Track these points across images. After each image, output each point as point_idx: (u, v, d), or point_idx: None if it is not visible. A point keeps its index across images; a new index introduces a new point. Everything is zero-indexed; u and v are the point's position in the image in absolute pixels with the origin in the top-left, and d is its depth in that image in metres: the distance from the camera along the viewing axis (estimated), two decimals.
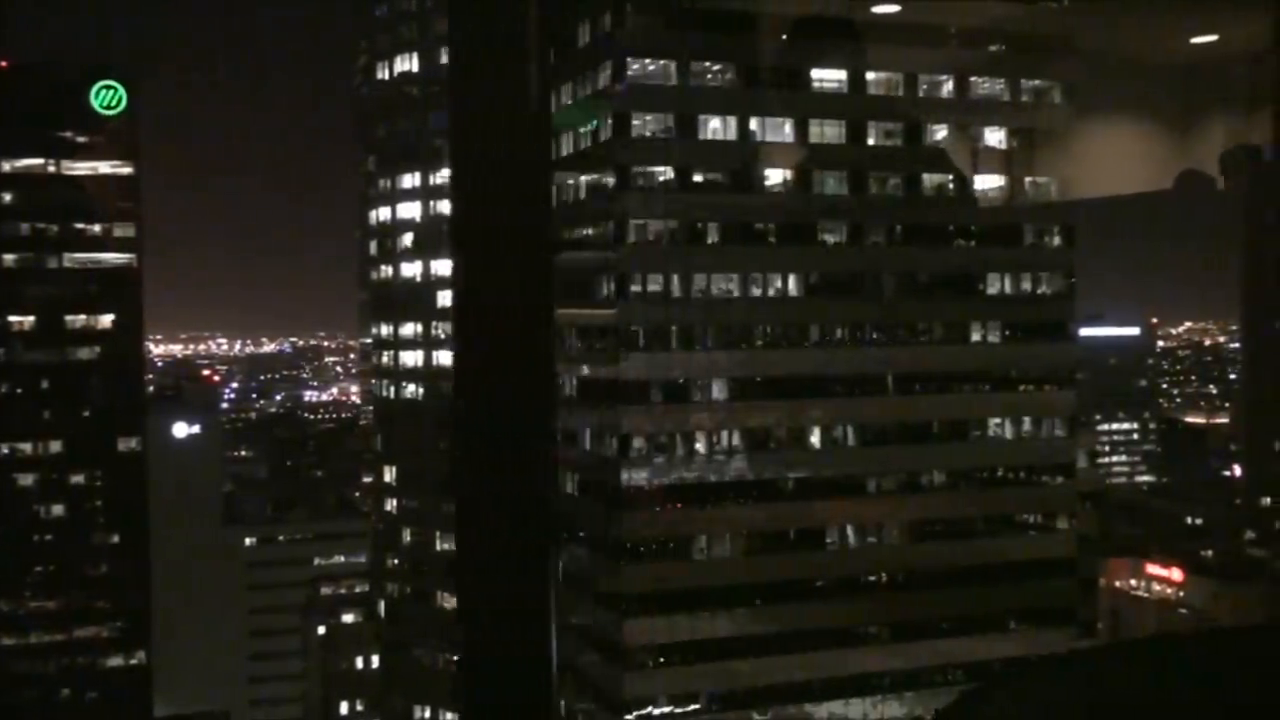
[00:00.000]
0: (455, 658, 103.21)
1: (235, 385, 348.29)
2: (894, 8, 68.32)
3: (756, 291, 67.54)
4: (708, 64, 67.14)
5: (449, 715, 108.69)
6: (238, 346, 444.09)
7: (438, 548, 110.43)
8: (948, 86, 70.99)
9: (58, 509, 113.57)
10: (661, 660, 66.61)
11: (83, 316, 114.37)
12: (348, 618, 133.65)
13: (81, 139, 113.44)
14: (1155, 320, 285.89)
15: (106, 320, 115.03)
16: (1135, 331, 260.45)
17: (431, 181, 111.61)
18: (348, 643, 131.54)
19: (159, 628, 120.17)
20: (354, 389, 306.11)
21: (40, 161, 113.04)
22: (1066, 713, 19.39)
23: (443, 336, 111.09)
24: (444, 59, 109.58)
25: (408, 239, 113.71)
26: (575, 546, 72.67)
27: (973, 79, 71.25)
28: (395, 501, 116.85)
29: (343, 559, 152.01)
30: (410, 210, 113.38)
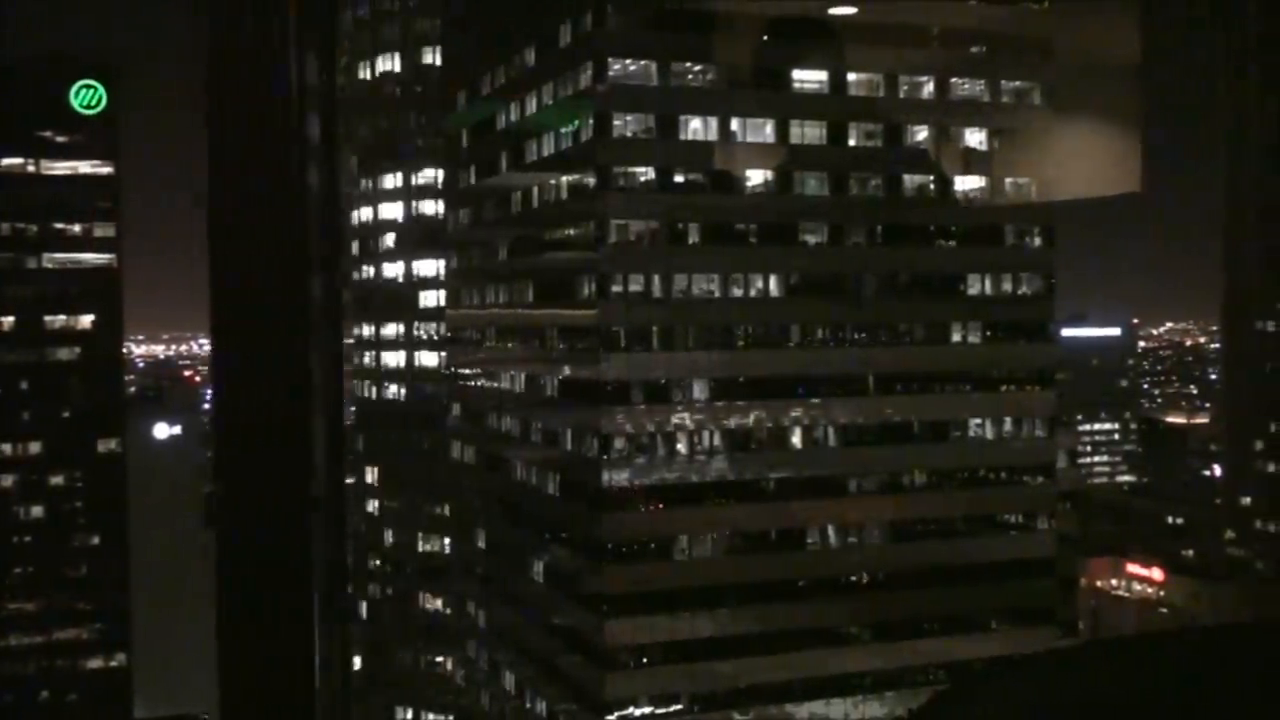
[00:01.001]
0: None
1: None
2: (850, 9, 68.28)
3: (738, 292, 67.51)
4: (689, 64, 67.10)
5: (431, 716, 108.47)
6: None
7: (420, 549, 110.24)
8: (928, 88, 71.09)
9: (37, 510, 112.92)
10: (643, 661, 66.55)
11: (62, 317, 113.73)
12: None
13: (61, 139, 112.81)
14: (1136, 320, 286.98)
15: (86, 321, 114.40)
16: (1117, 332, 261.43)
17: (414, 182, 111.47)
18: None
19: (139, 629, 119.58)
20: None
21: (19, 161, 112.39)
22: (1040, 712, 19.39)
23: (424, 337, 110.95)
24: (426, 59, 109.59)
25: (389, 239, 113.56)
26: (557, 547, 72.58)
27: (953, 80, 71.37)
28: (377, 502, 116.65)
29: None
30: (392, 211, 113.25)
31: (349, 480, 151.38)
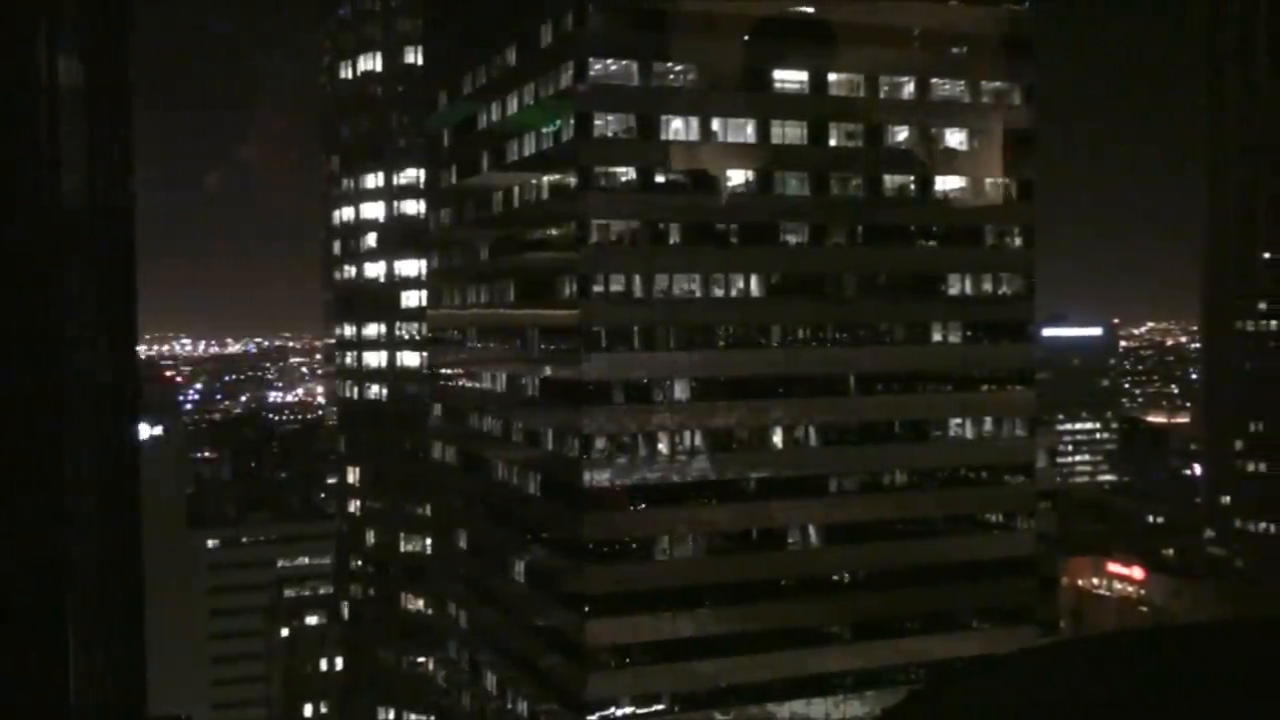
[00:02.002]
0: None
1: (199, 386, 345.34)
2: (833, 9, 68.30)
3: (719, 292, 67.57)
4: (670, 65, 67.13)
5: (413, 716, 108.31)
6: (202, 347, 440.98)
7: (402, 549, 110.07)
8: (909, 88, 71.25)
9: None
10: (625, 660, 66.54)
11: None
12: (311, 620, 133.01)
13: None
14: (1117, 320, 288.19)
15: None
16: (1098, 331, 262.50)
17: (395, 182, 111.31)
18: (311, 645, 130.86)
19: None
20: (319, 390, 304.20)
21: None
22: (1019, 709, 19.48)
23: (406, 337, 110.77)
24: (409, 58, 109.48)
25: (371, 239, 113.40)
26: (538, 547, 72.52)
27: (934, 81, 71.53)
28: (359, 503, 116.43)
29: (307, 561, 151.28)
30: (374, 210, 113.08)
31: (335, 482, 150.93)
